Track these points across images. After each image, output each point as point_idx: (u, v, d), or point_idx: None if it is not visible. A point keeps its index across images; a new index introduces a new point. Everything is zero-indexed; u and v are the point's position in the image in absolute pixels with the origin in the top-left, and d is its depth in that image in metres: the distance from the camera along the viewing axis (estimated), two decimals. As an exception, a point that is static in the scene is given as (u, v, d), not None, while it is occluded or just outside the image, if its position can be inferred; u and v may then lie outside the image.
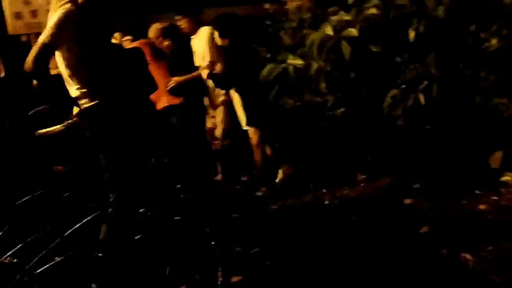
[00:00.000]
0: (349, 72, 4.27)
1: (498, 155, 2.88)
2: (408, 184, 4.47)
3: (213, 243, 3.69)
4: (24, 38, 5.79)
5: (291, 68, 4.35)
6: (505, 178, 2.74)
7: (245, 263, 3.52)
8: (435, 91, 3.15)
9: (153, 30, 5.04)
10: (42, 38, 2.95)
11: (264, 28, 4.76)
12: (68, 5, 3.00)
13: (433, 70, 3.18)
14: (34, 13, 5.58)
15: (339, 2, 4.00)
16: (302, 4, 4.20)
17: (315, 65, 3.98)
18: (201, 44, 5.01)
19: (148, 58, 4.84)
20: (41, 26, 5.42)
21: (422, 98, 3.13)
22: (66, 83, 3.14)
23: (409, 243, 3.52)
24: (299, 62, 4.26)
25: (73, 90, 3.11)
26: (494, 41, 2.85)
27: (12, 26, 5.63)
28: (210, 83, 5.00)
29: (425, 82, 3.17)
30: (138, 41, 5.12)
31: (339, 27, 3.93)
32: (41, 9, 5.53)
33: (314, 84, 4.50)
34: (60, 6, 3.00)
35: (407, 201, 4.21)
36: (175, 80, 4.92)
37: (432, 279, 2.98)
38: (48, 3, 5.51)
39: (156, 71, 4.83)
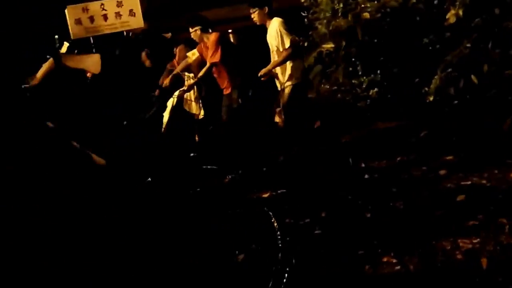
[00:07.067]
0: (367, 53, 4.59)
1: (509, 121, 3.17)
2: (442, 156, 4.78)
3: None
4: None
5: (324, 52, 4.71)
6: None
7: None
8: (485, 70, 3.37)
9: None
10: None
11: (301, 19, 5.03)
12: None
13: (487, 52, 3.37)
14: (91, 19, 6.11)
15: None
16: (334, -4, 4.50)
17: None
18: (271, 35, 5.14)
19: None
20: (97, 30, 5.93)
21: (474, 78, 3.36)
22: None
23: (447, 210, 3.81)
24: (330, 45, 4.62)
25: None
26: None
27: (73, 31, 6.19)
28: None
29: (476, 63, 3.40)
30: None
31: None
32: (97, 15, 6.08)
33: (345, 65, 4.83)
34: None
35: (442, 172, 4.52)
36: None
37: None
38: (102, 10, 5.96)
39: None
